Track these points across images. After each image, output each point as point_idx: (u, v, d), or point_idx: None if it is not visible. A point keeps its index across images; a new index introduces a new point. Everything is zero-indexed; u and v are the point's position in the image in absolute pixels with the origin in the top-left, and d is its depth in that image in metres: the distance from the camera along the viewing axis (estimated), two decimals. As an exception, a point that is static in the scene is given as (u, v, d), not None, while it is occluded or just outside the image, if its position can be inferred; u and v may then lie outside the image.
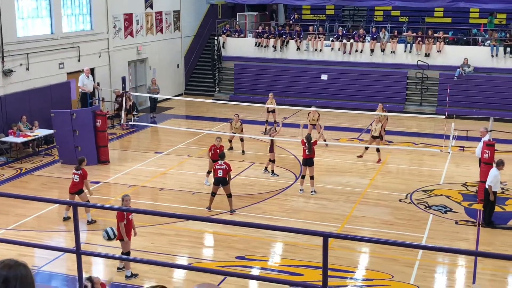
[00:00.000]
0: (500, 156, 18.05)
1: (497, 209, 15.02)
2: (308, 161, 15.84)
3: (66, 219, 14.04)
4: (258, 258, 12.28)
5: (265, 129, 22.30)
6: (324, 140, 20.48)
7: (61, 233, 13.71)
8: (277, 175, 17.39)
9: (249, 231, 13.30)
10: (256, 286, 11.27)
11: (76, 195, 13.78)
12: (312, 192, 15.95)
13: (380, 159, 18.90)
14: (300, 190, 16.08)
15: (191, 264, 11.98)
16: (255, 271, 11.82)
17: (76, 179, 13.83)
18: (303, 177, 16.15)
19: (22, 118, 19.35)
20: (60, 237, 13.60)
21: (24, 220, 14.08)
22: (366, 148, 19.32)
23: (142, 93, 25.26)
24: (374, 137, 19.10)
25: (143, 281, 11.24)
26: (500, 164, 13.97)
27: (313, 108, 20.59)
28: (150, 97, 24.68)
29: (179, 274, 11.69)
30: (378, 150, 18.98)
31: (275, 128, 18.07)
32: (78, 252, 6.09)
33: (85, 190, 13.91)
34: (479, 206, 15.07)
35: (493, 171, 13.86)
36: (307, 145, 15.69)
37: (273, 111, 22.45)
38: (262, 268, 11.96)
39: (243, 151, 19.70)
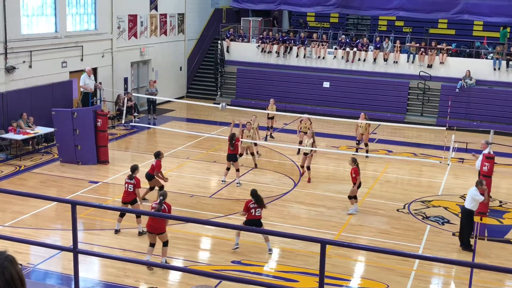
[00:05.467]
0: (499, 170, 18.10)
1: (495, 222, 15.05)
2: (232, 157, 16.94)
3: (117, 231, 13.40)
4: (254, 263, 12.27)
5: (266, 135, 22.28)
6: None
7: (57, 231, 13.70)
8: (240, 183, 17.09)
9: (245, 236, 13.29)
10: (251, 291, 11.25)
11: (129, 205, 13.17)
12: (237, 183, 16.95)
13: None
14: (223, 181, 17.09)
15: (186, 267, 11.97)
16: (250, 276, 11.80)
17: (130, 188, 13.15)
18: (227, 169, 17.10)
19: (22, 115, 19.36)
20: (57, 235, 13.58)
21: (21, 217, 14.06)
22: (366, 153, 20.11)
23: (144, 94, 25.27)
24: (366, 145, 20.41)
25: (139, 283, 11.23)
26: (479, 185, 13.39)
27: (305, 116, 20.55)
28: (148, 99, 24.69)
29: (174, 276, 11.68)
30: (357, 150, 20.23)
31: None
32: (75, 251, 6.11)
33: (138, 200, 13.27)
34: (476, 219, 15.05)
35: (472, 190, 13.19)
36: (230, 142, 16.86)
37: (272, 117, 22.31)
38: (258, 273, 11.94)
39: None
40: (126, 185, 13.31)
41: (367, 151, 20.64)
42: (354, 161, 15.22)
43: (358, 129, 20.54)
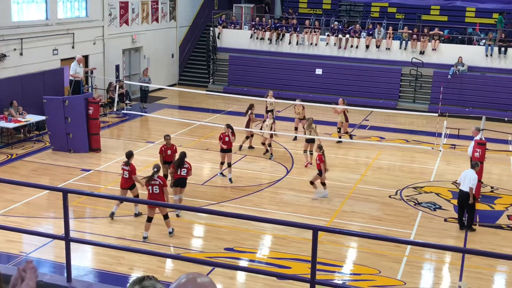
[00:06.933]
0: (491, 156, 18.18)
1: (486, 207, 15.14)
2: (226, 150, 16.41)
3: (112, 214, 13.40)
4: (247, 250, 12.30)
5: (261, 127, 21.57)
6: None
7: (50, 219, 13.68)
8: (224, 175, 16.72)
9: (238, 223, 13.31)
10: (244, 277, 11.30)
11: (129, 190, 13.35)
12: (229, 179, 16.29)
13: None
14: (220, 174, 16.67)
15: (179, 254, 12.00)
16: (243, 263, 11.85)
17: (126, 175, 13.24)
18: (222, 163, 16.59)
19: (12, 103, 19.24)
20: (49, 223, 13.56)
21: (13, 206, 14.02)
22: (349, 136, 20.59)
23: (136, 82, 25.15)
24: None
25: (132, 270, 11.25)
26: (476, 166, 13.71)
27: (297, 102, 20.46)
28: (140, 87, 24.56)
29: (167, 264, 11.70)
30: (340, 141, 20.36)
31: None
32: (67, 239, 6.11)
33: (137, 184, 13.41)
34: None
35: (473, 173, 13.41)
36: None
37: (271, 110, 20.82)
38: (251, 260, 11.98)
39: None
40: (123, 171, 13.38)
41: (351, 136, 20.63)
42: (320, 147, 15.23)
43: (337, 115, 20.40)
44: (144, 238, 12.45)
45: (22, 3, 20.39)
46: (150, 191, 12.38)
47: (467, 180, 13.33)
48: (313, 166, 16.68)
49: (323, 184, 15.28)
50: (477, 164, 13.83)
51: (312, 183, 15.24)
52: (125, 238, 12.56)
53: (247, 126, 19.15)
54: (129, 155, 13.45)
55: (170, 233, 12.68)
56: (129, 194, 13.41)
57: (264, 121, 19.12)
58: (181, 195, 13.84)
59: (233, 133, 16.55)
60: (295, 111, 20.45)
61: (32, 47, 20.50)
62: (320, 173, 15.10)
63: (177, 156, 14.43)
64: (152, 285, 2.42)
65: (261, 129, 19.34)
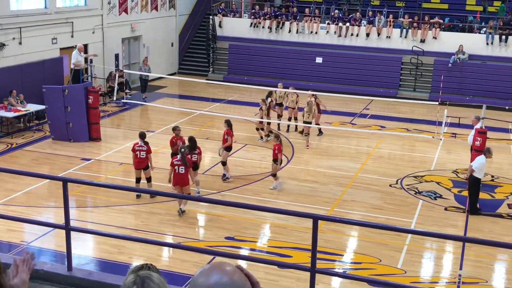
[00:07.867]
0: (491, 144, 18.16)
1: (487, 196, 15.14)
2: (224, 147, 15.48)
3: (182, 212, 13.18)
4: (247, 239, 12.31)
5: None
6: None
7: (50, 209, 13.68)
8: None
9: (239, 212, 13.33)
10: (244, 266, 11.29)
11: (143, 171, 13.89)
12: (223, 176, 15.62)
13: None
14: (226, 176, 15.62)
15: (180, 243, 12.00)
16: (244, 252, 11.86)
17: (143, 155, 13.73)
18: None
19: (12, 92, 19.17)
20: (50, 213, 13.57)
21: (13, 195, 14.02)
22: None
23: (135, 71, 25.06)
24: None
25: (132, 259, 11.26)
26: (487, 152, 13.99)
27: (290, 90, 19.96)
28: (140, 77, 24.47)
29: (168, 253, 11.72)
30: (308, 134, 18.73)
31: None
32: (67, 228, 6.11)
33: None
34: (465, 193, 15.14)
35: (482, 158, 13.79)
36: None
37: (281, 104, 20.33)
38: (251, 249, 11.99)
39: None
40: (138, 152, 13.72)
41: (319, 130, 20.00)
42: (277, 137, 15.10)
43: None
44: (182, 211, 13.02)
45: (20, -9, 20.30)
46: (177, 171, 12.79)
47: (474, 162, 13.72)
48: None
49: (274, 175, 15.05)
50: (488, 150, 14.08)
51: (273, 175, 14.94)
52: (125, 227, 12.56)
53: (268, 114, 18.82)
54: (144, 135, 13.97)
55: (181, 212, 13.04)
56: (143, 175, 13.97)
57: (260, 109, 18.99)
58: (196, 178, 14.04)
59: (230, 132, 15.39)
60: (289, 99, 20.12)
61: (31, 36, 20.42)
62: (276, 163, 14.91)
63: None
64: (148, 274, 2.39)
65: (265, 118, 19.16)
